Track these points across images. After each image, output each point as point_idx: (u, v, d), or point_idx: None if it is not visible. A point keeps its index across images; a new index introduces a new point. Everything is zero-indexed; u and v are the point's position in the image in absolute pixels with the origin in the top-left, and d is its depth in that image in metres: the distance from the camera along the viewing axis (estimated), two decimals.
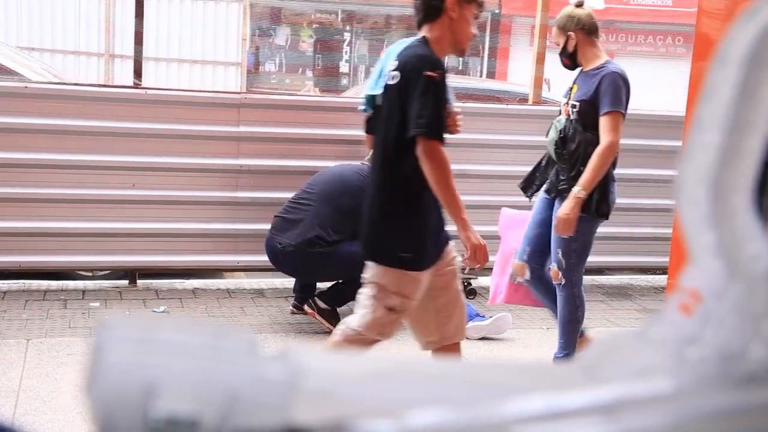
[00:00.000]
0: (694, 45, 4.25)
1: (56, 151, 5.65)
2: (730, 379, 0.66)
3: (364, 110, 5.05)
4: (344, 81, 24.20)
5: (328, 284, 5.46)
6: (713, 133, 0.72)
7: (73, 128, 5.66)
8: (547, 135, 4.60)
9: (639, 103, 5.97)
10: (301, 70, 26.17)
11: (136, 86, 6.12)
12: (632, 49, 26.64)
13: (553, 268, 4.58)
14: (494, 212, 6.48)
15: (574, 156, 4.43)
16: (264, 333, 5.11)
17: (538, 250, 4.72)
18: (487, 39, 25.72)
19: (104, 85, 6.28)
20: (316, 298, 5.31)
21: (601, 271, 7.20)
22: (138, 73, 6.23)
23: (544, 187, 4.74)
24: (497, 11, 25.57)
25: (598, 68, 4.45)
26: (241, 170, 5.97)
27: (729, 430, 0.66)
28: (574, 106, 4.48)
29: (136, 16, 6.22)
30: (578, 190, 4.34)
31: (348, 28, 26.37)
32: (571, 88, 4.60)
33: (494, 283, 5.33)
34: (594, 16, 4.58)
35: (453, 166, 6.29)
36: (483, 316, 5.37)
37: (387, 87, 3.46)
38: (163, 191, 5.87)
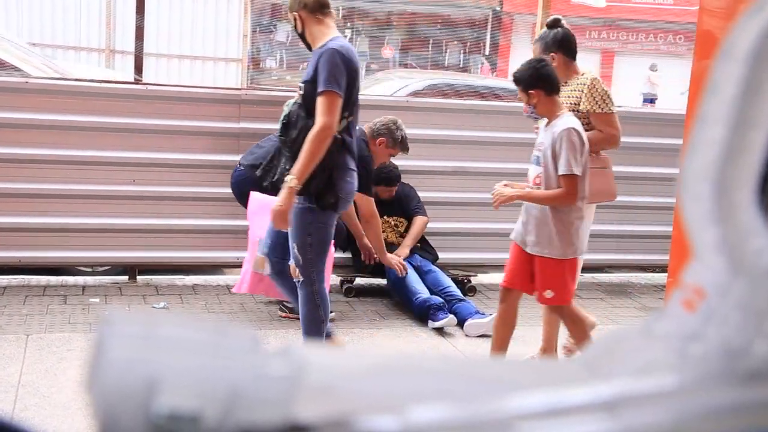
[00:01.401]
0: (696, 43, 4.25)
1: (56, 146, 5.65)
2: (733, 376, 0.66)
3: None
4: None
5: None
6: (717, 129, 0.72)
7: (73, 124, 5.65)
8: None
9: (639, 101, 5.96)
10: (301, 66, 26.18)
11: (137, 82, 6.11)
12: (633, 47, 26.64)
13: (291, 264, 4.23)
14: (494, 210, 6.48)
15: (296, 144, 4.03)
16: (264, 329, 5.11)
17: (279, 243, 4.39)
18: (488, 36, 25.72)
19: (105, 81, 6.27)
20: (283, 303, 5.38)
21: (601, 269, 7.20)
22: (139, 68, 6.22)
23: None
24: (498, 9, 25.57)
25: (321, 46, 4.05)
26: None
27: (732, 426, 0.66)
28: (300, 89, 4.12)
29: (136, 12, 6.21)
30: (290, 179, 3.94)
31: (349, 24, 26.35)
32: None
33: (242, 270, 5.27)
34: None
35: (453, 163, 6.32)
36: (483, 314, 5.37)
37: None
38: (164, 187, 5.87)
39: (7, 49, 7.38)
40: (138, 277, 6.02)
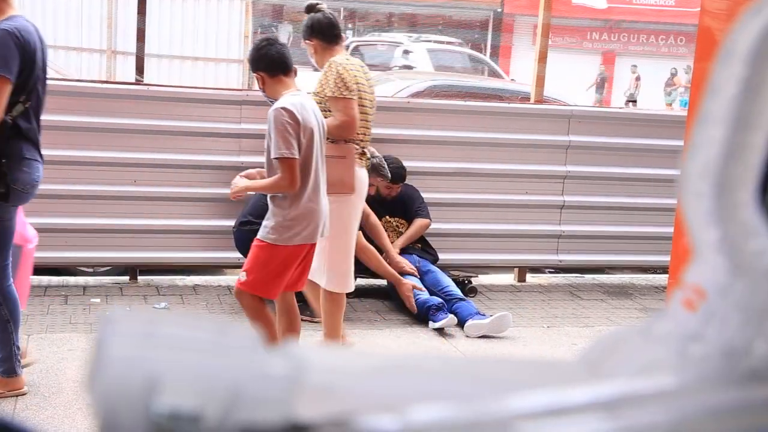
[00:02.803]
0: (697, 45, 4.25)
1: (58, 147, 5.64)
2: (734, 376, 0.66)
3: None
4: None
5: None
6: (718, 129, 0.72)
7: (74, 124, 5.66)
8: None
9: (640, 103, 5.97)
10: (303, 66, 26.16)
11: (138, 83, 6.12)
12: (634, 49, 26.65)
13: None
14: (496, 211, 6.49)
15: None
16: None
17: None
18: (490, 38, 25.73)
19: (106, 82, 6.28)
20: None
21: (601, 270, 7.20)
22: (140, 69, 6.22)
23: None
24: (500, 10, 25.58)
25: None
26: (243, 167, 5.95)
27: (732, 427, 0.66)
28: None
29: (138, 13, 6.22)
30: None
31: (350, 25, 26.36)
32: None
33: None
34: None
35: (454, 164, 6.32)
36: (483, 315, 5.37)
37: None
38: (165, 188, 5.87)
39: None
40: (139, 278, 6.03)
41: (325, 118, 4.23)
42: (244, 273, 4.04)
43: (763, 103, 0.71)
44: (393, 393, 0.68)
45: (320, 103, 4.32)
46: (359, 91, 4.41)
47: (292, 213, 3.96)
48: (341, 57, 4.49)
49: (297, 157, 3.87)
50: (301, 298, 5.55)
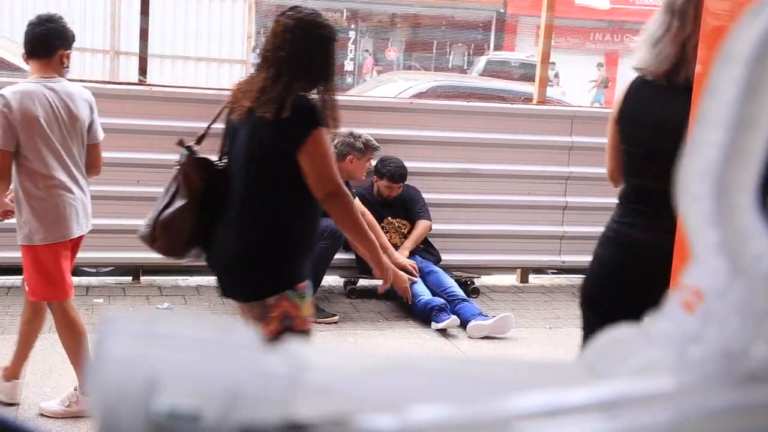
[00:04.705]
0: (700, 45, 4.24)
1: None
2: (732, 378, 0.66)
3: None
4: (349, 79, 24.21)
5: None
6: (717, 131, 0.72)
7: None
8: None
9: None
10: None
11: (141, 83, 6.12)
12: None
13: None
14: (499, 211, 6.48)
15: None
16: None
17: None
18: (492, 38, 25.72)
19: (109, 82, 6.28)
20: None
21: None
22: (143, 70, 6.23)
23: None
24: (502, 10, 25.56)
25: None
26: None
27: (730, 428, 0.66)
28: None
29: (141, 13, 6.22)
30: None
31: (352, 26, 26.37)
32: None
33: None
34: None
35: (457, 165, 6.32)
36: (486, 316, 5.37)
37: None
38: None
39: (12, 49, 7.40)
40: (142, 278, 6.03)
41: None
42: (26, 283, 3.85)
43: (762, 104, 0.71)
44: (392, 393, 0.68)
45: None
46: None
47: (36, 210, 3.70)
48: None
49: (6, 149, 3.61)
50: None
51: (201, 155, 3.12)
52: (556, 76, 17.48)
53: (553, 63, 13.10)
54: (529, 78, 12.30)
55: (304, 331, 2.88)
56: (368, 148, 5.60)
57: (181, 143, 3.16)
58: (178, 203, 2.99)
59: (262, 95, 2.85)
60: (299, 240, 2.91)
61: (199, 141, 3.21)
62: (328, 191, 2.80)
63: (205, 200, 2.98)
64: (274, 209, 2.87)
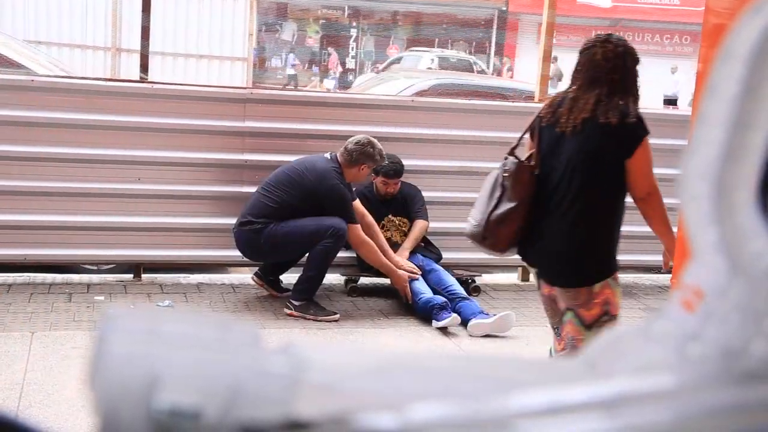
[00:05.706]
0: (701, 44, 4.24)
1: (62, 144, 5.65)
2: (732, 376, 0.66)
3: None
4: (350, 77, 24.21)
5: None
6: (717, 129, 0.72)
7: (79, 122, 5.66)
8: None
9: (643, 102, 5.95)
10: (307, 65, 26.18)
11: (143, 80, 6.12)
12: (639, 48, 26.59)
13: None
14: None
15: None
16: (268, 328, 5.11)
17: None
18: (494, 36, 25.70)
19: (110, 79, 6.29)
20: (288, 300, 5.44)
21: None
22: (144, 67, 6.23)
23: None
24: (504, 8, 25.54)
25: None
26: (246, 165, 5.97)
27: (730, 426, 0.66)
28: None
29: (142, 11, 6.22)
30: None
31: (354, 24, 26.36)
32: None
33: None
34: None
35: (458, 163, 6.31)
36: (487, 314, 5.37)
37: None
38: (169, 185, 5.88)
39: (13, 47, 7.40)
40: (143, 276, 6.03)
41: None
42: None
43: (762, 103, 0.71)
44: (393, 391, 0.68)
45: None
46: None
47: None
48: None
49: None
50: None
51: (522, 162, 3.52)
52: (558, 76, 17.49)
53: (555, 57, 13.15)
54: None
55: (616, 316, 3.34)
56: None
57: (511, 153, 3.63)
58: (507, 205, 3.44)
59: (597, 107, 3.31)
60: (617, 234, 3.41)
61: (512, 150, 3.66)
62: (647, 191, 3.34)
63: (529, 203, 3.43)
64: (603, 206, 3.35)
